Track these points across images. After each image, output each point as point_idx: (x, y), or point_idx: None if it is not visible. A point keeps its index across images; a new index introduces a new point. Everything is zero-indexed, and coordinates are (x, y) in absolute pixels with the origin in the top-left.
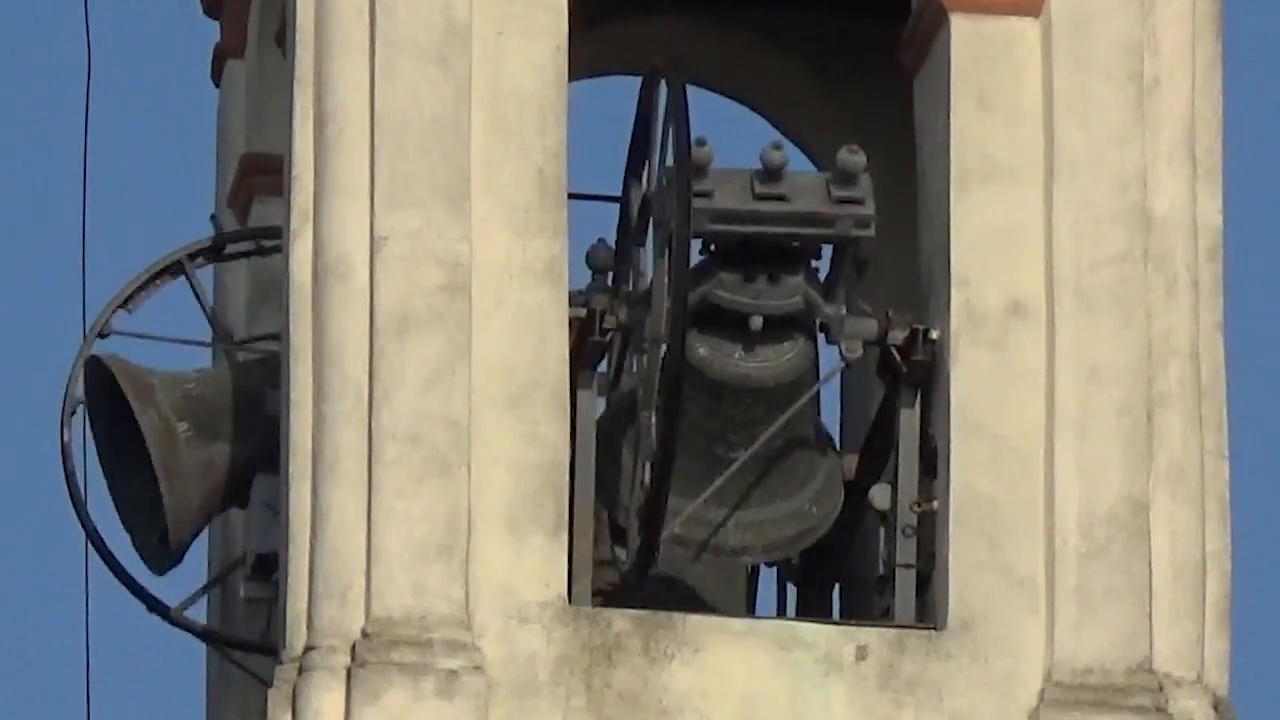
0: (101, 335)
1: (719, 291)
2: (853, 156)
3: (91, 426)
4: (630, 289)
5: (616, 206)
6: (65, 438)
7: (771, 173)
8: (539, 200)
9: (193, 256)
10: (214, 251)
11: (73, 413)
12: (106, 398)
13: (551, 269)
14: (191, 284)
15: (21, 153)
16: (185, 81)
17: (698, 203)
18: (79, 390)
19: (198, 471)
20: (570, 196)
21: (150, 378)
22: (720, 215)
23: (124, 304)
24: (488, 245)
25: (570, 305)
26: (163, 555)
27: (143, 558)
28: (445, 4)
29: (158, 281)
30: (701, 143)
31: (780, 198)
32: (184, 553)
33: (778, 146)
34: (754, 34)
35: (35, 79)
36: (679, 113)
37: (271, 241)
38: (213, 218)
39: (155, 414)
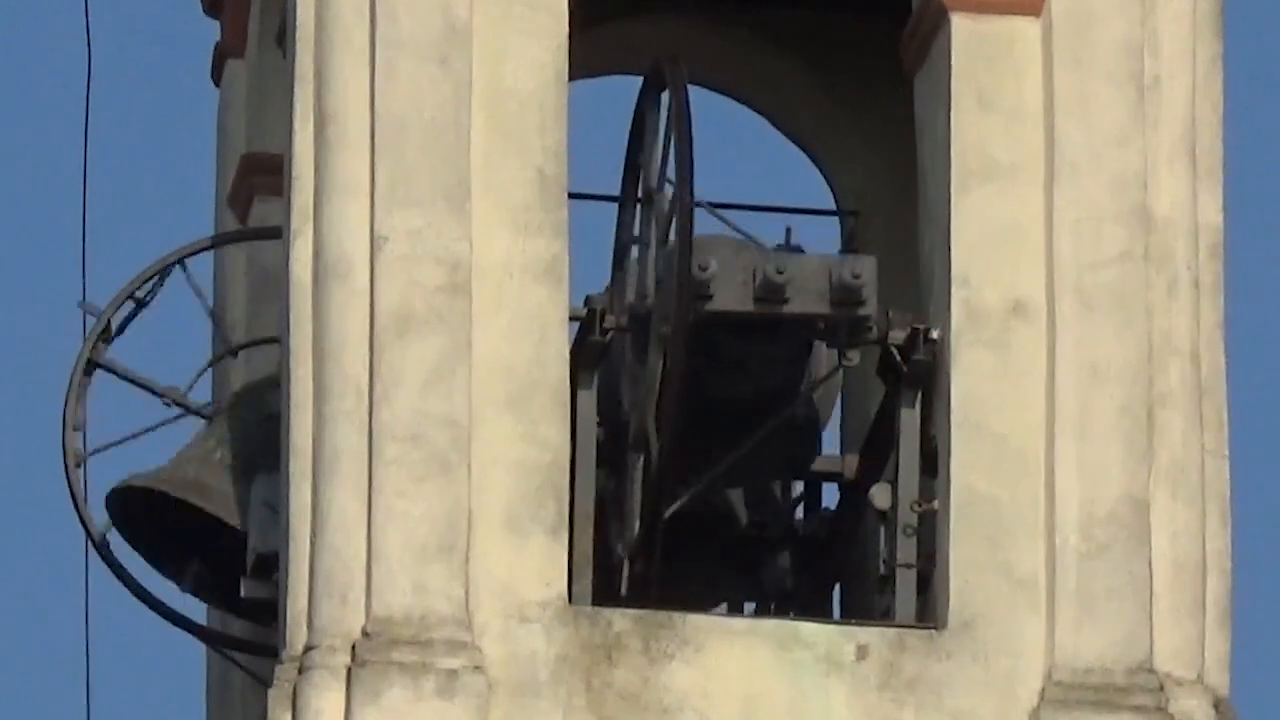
0: (97, 356)
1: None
2: (856, 280)
3: (135, 546)
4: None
5: (616, 206)
6: (69, 454)
7: (773, 289)
8: (539, 200)
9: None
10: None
11: (78, 466)
12: (138, 513)
13: (551, 269)
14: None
15: (21, 153)
16: (185, 81)
17: (698, 305)
18: (83, 413)
19: (230, 497)
20: (570, 196)
21: (186, 468)
22: (717, 318)
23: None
24: (488, 245)
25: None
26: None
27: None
28: (445, 4)
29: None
30: (704, 267)
31: (780, 299)
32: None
33: (780, 270)
34: (754, 33)
35: (35, 79)
36: (680, 114)
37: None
38: (81, 304)
39: (213, 495)
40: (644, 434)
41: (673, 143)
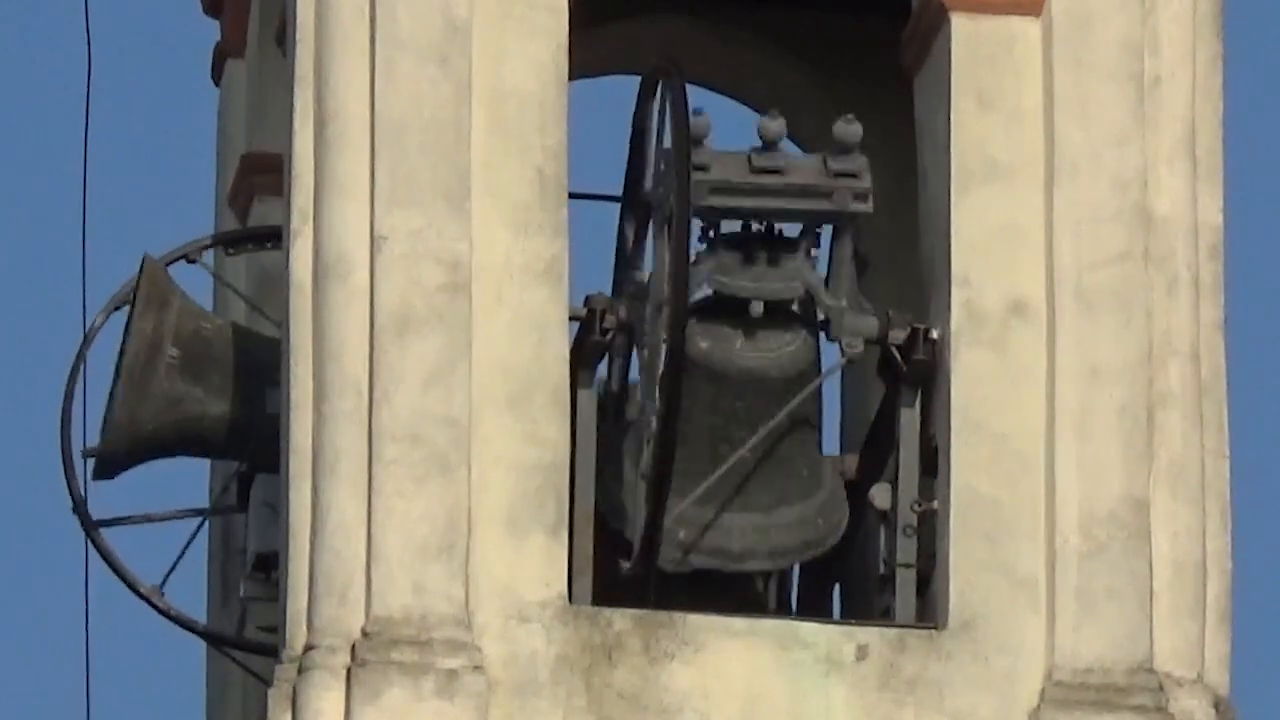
0: (189, 260)
1: (719, 276)
2: (849, 126)
3: (126, 326)
4: (631, 288)
5: (616, 206)
6: (69, 438)
7: (768, 144)
8: (539, 200)
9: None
10: None
11: (78, 463)
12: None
13: (551, 269)
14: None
15: (21, 153)
16: (185, 81)
17: (696, 175)
18: (83, 411)
19: (162, 399)
20: (570, 196)
21: (173, 295)
22: (718, 187)
23: (229, 246)
24: (488, 245)
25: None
26: (102, 466)
27: (95, 465)
28: (445, 4)
29: (251, 246)
30: (699, 112)
31: (778, 171)
32: (116, 470)
33: (774, 117)
34: (754, 34)
35: (35, 79)
36: (677, 98)
37: None
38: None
39: (153, 325)
40: (652, 386)
41: (670, 143)
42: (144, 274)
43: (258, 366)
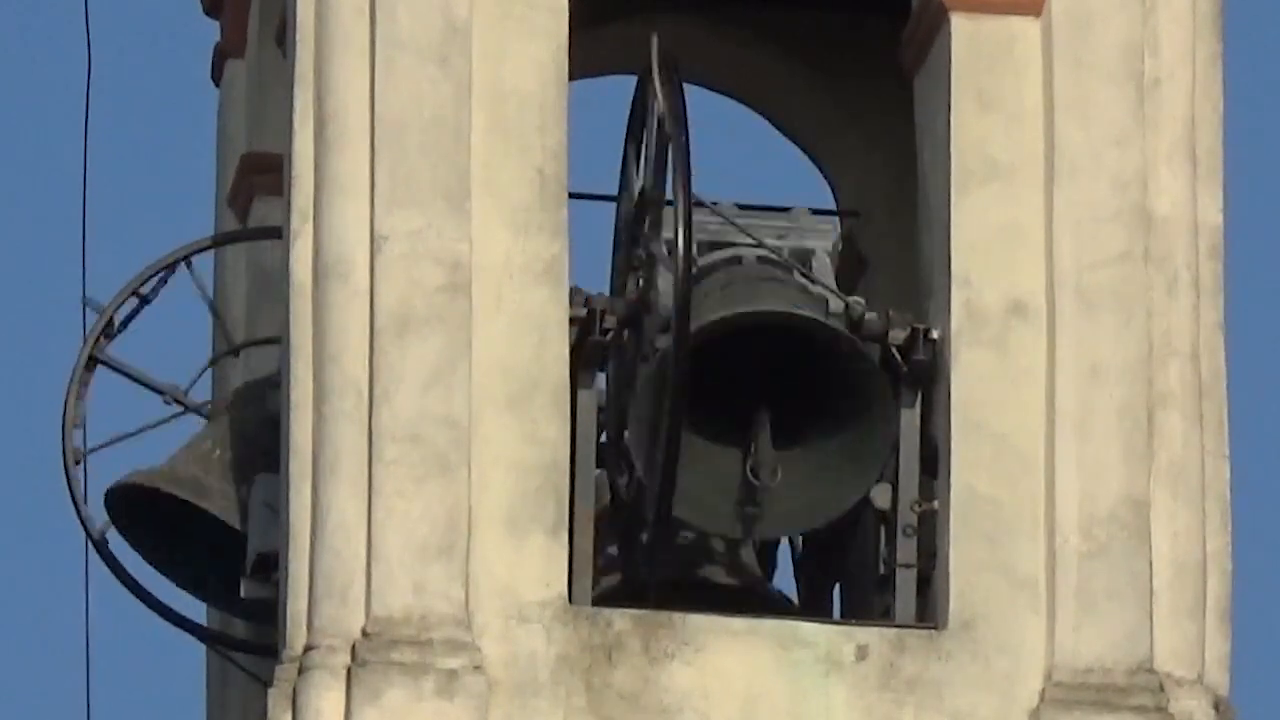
0: (103, 364)
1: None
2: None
3: (134, 545)
4: (631, 286)
5: (615, 206)
6: (68, 452)
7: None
8: (539, 200)
9: (163, 280)
10: (139, 300)
11: (77, 463)
12: (137, 511)
13: (551, 269)
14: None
15: (21, 153)
16: (185, 81)
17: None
18: (83, 409)
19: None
20: (570, 196)
21: (157, 475)
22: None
23: (105, 334)
24: (488, 245)
25: (570, 304)
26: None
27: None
28: (445, 4)
29: (121, 330)
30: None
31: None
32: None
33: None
34: (753, 34)
35: (35, 79)
36: (674, 92)
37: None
38: (84, 299)
39: (213, 495)
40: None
41: (667, 143)
42: (157, 485)
43: (252, 416)
